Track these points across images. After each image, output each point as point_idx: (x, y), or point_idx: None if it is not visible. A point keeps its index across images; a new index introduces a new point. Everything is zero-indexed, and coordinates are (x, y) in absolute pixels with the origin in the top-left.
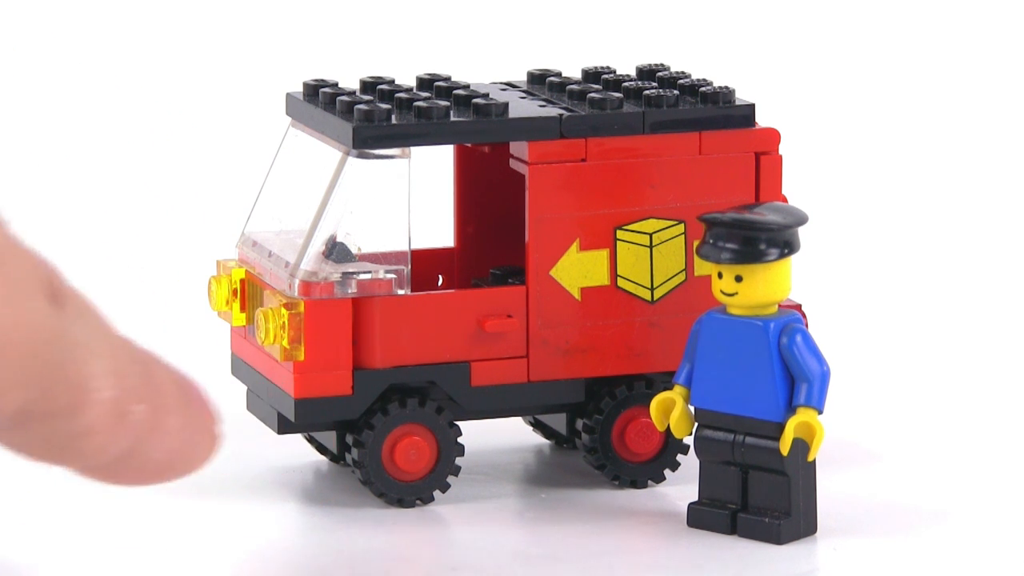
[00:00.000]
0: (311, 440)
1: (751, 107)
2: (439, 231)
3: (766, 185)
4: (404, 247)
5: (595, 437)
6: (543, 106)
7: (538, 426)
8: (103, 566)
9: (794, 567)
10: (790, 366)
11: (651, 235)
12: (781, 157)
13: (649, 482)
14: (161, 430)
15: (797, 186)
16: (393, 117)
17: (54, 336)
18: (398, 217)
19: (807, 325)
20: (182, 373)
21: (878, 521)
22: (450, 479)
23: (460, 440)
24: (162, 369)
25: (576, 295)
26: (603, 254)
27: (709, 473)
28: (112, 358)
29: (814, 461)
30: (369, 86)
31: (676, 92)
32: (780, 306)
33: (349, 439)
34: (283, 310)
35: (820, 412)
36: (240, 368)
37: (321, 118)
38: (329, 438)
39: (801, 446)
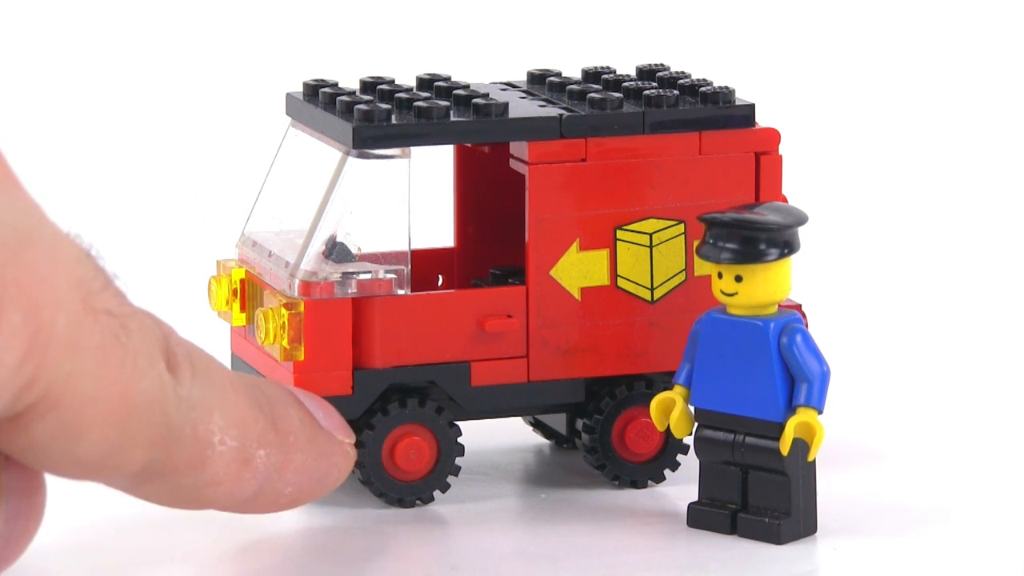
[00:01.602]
0: None
1: (751, 107)
2: (439, 231)
3: (766, 185)
4: (404, 247)
5: (595, 437)
6: (543, 106)
7: (538, 426)
8: (103, 566)
9: (794, 567)
10: (790, 366)
11: (651, 235)
12: (781, 157)
13: (649, 482)
14: (287, 469)
15: (797, 186)
16: (393, 117)
17: (175, 400)
18: (398, 217)
19: (807, 325)
20: (311, 400)
21: (878, 521)
22: (450, 479)
23: (460, 440)
24: (287, 408)
25: (576, 295)
26: (603, 254)
27: (709, 473)
28: (231, 410)
29: (814, 461)
30: (369, 86)
31: (676, 92)
32: (780, 306)
33: None
34: (283, 310)
35: (820, 412)
36: (240, 368)
37: (321, 118)
38: None
39: (801, 446)
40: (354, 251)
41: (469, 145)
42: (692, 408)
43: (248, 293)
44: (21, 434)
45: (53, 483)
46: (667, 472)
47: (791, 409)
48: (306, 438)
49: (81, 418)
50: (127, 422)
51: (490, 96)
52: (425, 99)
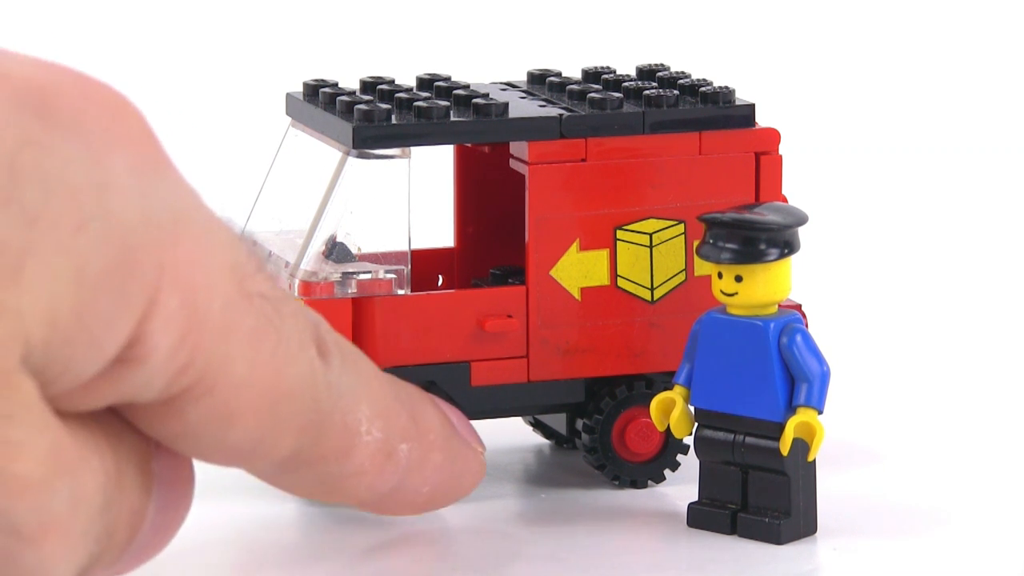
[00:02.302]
0: None
1: (751, 107)
2: (439, 231)
3: (766, 185)
4: (404, 247)
5: (595, 437)
6: (543, 106)
7: (538, 426)
8: None
9: (794, 567)
10: (790, 366)
11: (651, 235)
12: (781, 157)
13: (649, 482)
14: (426, 466)
15: (797, 186)
16: (393, 117)
17: (325, 386)
18: (398, 217)
19: (807, 325)
20: (445, 407)
21: (878, 521)
22: None
23: None
24: (425, 406)
25: (576, 295)
26: (603, 254)
27: (709, 473)
28: (377, 401)
29: (814, 461)
30: (369, 86)
31: (676, 92)
32: (780, 306)
33: None
34: None
35: (820, 412)
36: None
37: (321, 118)
38: None
39: (801, 446)
40: (354, 251)
41: (469, 145)
42: (692, 408)
43: None
44: (175, 419)
45: None
46: (667, 472)
47: (791, 409)
48: (444, 438)
49: (235, 403)
50: (279, 408)
51: (490, 96)
52: (425, 99)
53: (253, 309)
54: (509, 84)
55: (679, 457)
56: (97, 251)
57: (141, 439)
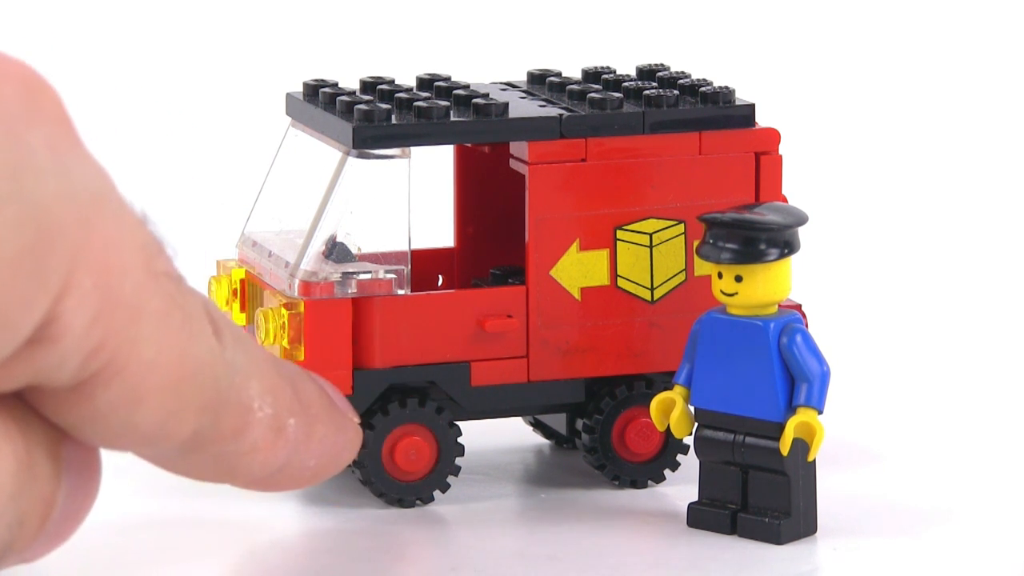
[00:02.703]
0: None
1: (751, 107)
2: (439, 231)
3: (766, 185)
4: (404, 247)
5: (595, 437)
6: (543, 106)
7: (538, 426)
8: (106, 567)
9: (794, 567)
10: (790, 366)
11: (651, 235)
12: (781, 157)
13: (649, 482)
14: (312, 439)
15: (797, 186)
16: (393, 117)
17: (222, 364)
18: (398, 217)
19: (807, 325)
20: (321, 380)
21: (878, 521)
22: (450, 479)
23: (460, 440)
24: (306, 381)
25: (576, 295)
26: (603, 254)
27: (709, 473)
28: (266, 377)
29: (814, 461)
30: (369, 86)
31: (676, 92)
32: (780, 306)
33: None
34: (283, 310)
35: (820, 412)
36: None
37: (321, 118)
38: None
39: (801, 446)
40: (354, 251)
41: (469, 145)
42: (692, 408)
43: (248, 293)
44: (84, 403)
45: None
46: (667, 472)
47: (791, 409)
48: (325, 411)
49: (143, 384)
50: (183, 387)
51: (490, 96)
52: (425, 99)
53: (160, 289)
54: (509, 84)
55: (679, 457)
56: (12, 231)
57: (49, 425)
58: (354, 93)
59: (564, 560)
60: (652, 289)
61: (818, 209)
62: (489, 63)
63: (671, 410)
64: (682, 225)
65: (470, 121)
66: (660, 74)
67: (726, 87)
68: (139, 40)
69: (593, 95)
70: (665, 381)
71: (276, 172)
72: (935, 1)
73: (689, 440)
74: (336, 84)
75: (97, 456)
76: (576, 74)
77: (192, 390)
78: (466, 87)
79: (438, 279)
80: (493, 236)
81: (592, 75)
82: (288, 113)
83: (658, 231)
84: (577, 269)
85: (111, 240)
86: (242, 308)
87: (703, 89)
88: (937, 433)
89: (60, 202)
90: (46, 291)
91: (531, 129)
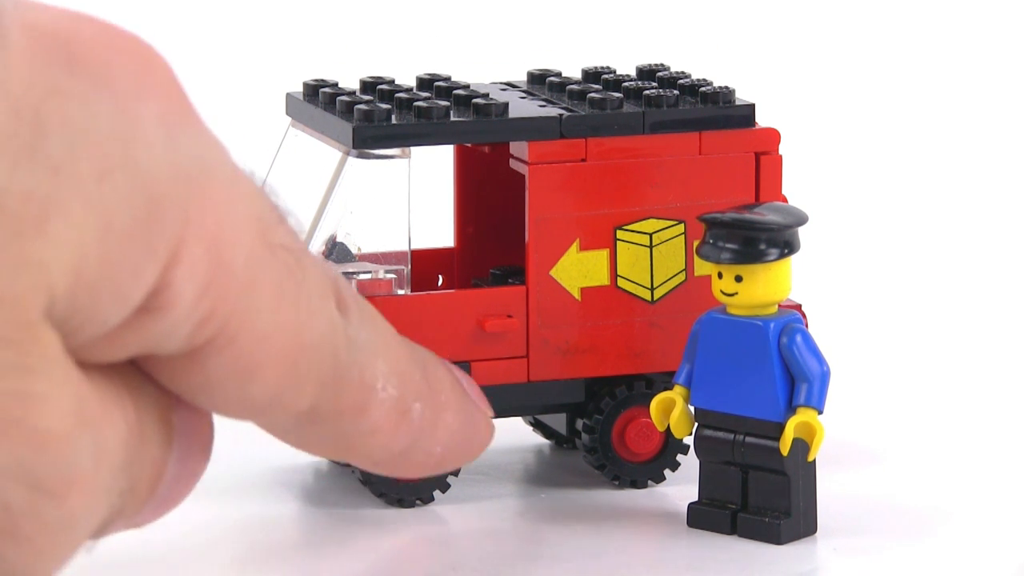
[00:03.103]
0: None
1: (751, 107)
2: (439, 231)
3: (766, 185)
4: (404, 247)
5: (595, 437)
6: (543, 106)
7: (538, 426)
8: (104, 566)
9: (794, 567)
10: (790, 366)
11: (651, 235)
12: (781, 157)
13: (649, 482)
14: (439, 426)
15: (797, 186)
16: (393, 117)
17: (344, 340)
18: (398, 217)
19: (807, 325)
20: (457, 370)
21: (878, 521)
22: (450, 479)
23: None
24: (438, 367)
25: (576, 295)
26: (603, 254)
27: (709, 473)
28: (393, 359)
29: (814, 461)
30: (369, 86)
31: (676, 92)
32: (780, 306)
33: None
34: None
35: (820, 412)
36: None
37: (321, 118)
38: None
39: (801, 446)
40: (354, 251)
41: (469, 145)
42: (692, 408)
43: None
44: (196, 371)
45: None
46: (667, 472)
47: (791, 409)
48: (456, 399)
49: (256, 355)
50: (299, 360)
51: (490, 96)
52: (425, 99)
53: (276, 261)
54: (509, 84)
55: (679, 457)
56: (122, 201)
57: (161, 391)
58: (354, 93)
59: (564, 560)
60: (652, 289)
61: (818, 209)
62: (489, 63)
63: (671, 410)
64: (682, 225)
65: (470, 121)
66: (660, 74)
67: (726, 87)
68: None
69: (593, 95)
70: (665, 381)
71: (276, 172)
72: (935, 1)
73: (689, 440)
74: (336, 84)
75: (209, 422)
76: (576, 74)
77: (309, 364)
78: (466, 87)
79: (438, 279)
80: (493, 236)
81: (592, 75)
82: (288, 113)
83: (658, 231)
84: (577, 269)
85: (223, 211)
86: None
87: (703, 89)
88: (937, 433)
89: (169, 173)
90: (156, 260)
91: (531, 129)
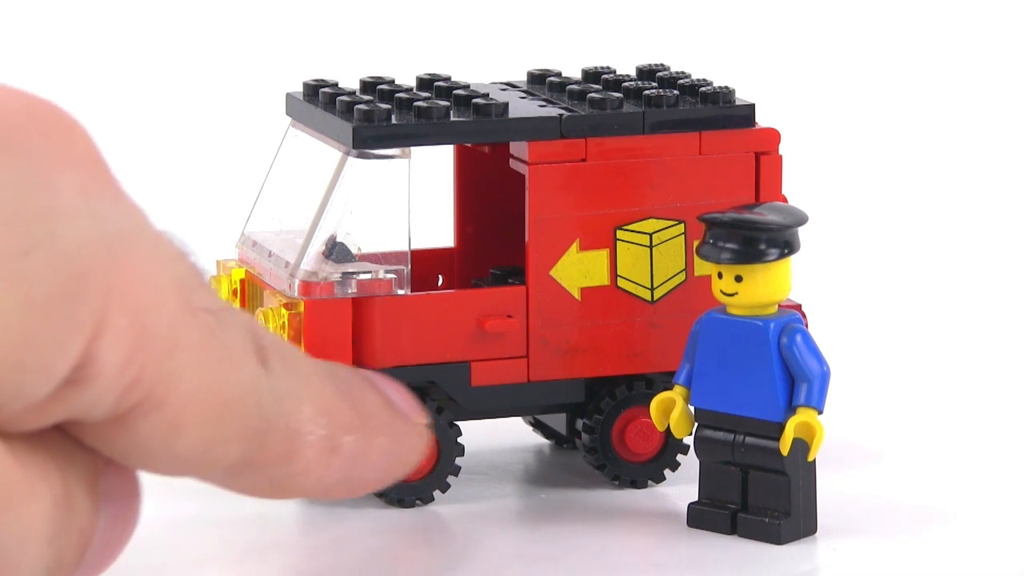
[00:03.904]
0: None
1: (751, 107)
2: (439, 231)
3: (766, 185)
4: (404, 247)
5: (595, 437)
6: (543, 106)
7: (538, 426)
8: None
9: (794, 567)
10: (790, 366)
11: (651, 235)
12: (781, 157)
13: (649, 482)
14: (371, 452)
15: (797, 186)
16: (393, 117)
17: (267, 392)
18: (398, 217)
19: (807, 325)
20: (384, 382)
21: (878, 521)
22: (450, 479)
23: (460, 440)
24: (365, 392)
25: (576, 295)
26: (603, 254)
27: (709, 473)
28: (319, 399)
29: (814, 461)
30: (369, 86)
31: (676, 92)
32: (780, 306)
33: None
34: (283, 310)
35: (820, 412)
36: None
37: (321, 118)
38: None
39: (801, 446)
40: (354, 251)
41: (469, 145)
42: (692, 408)
43: (248, 293)
44: (124, 434)
45: None
46: (667, 472)
47: (791, 409)
48: (386, 421)
49: (182, 415)
50: (224, 417)
51: (490, 96)
52: (425, 99)
53: (198, 323)
54: (509, 84)
55: (679, 457)
56: (44, 276)
57: (89, 455)
58: (354, 93)
59: (564, 560)
60: (652, 289)
61: (818, 209)
62: (489, 63)
63: (671, 410)
64: (682, 225)
65: (470, 121)
66: (660, 74)
67: (726, 87)
68: (139, 40)
69: (593, 95)
70: (665, 381)
71: (276, 172)
72: (935, 1)
73: (689, 440)
74: (336, 84)
75: (137, 485)
76: (576, 74)
77: (233, 419)
78: (466, 87)
79: (438, 279)
80: (493, 236)
81: (592, 75)
82: (288, 113)
83: (658, 231)
84: (577, 269)
85: (145, 279)
86: (242, 308)
87: (703, 89)
88: (937, 433)
89: (91, 245)
90: (80, 333)
91: (531, 129)
